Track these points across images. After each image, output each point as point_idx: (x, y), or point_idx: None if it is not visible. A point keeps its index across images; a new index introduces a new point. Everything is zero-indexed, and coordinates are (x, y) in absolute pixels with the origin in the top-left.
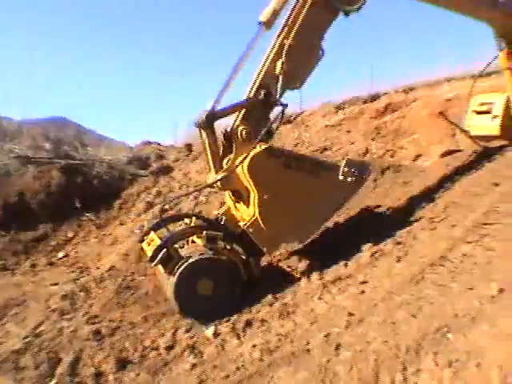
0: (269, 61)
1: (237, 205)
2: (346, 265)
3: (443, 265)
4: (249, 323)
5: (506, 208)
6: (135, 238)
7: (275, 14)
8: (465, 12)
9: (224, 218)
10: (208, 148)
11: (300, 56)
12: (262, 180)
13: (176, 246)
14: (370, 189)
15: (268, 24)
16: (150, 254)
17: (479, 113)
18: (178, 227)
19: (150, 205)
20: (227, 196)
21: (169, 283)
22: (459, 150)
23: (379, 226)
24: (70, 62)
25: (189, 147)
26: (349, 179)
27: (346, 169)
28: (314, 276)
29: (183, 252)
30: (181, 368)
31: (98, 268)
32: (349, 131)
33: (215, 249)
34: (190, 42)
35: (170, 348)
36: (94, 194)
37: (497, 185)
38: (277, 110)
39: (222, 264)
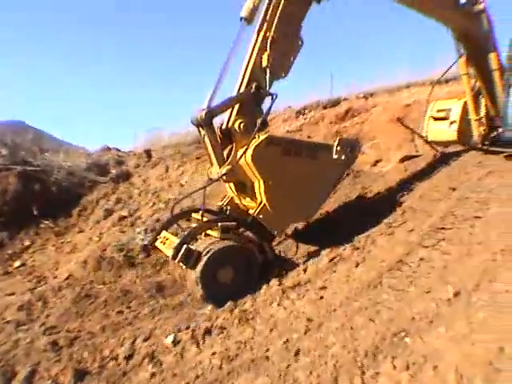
0: (254, 55)
1: (240, 195)
2: (305, 270)
3: (401, 269)
4: (208, 331)
5: (463, 212)
6: (93, 246)
7: (255, 8)
8: (427, 11)
9: (228, 208)
10: (209, 144)
11: (283, 47)
12: (265, 168)
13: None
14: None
15: (249, 19)
16: (169, 252)
17: (437, 119)
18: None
19: (110, 212)
20: (228, 187)
21: (193, 275)
22: (417, 155)
23: (338, 231)
24: (29, 64)
25: (148, 153)
26: (342, 157)
27: (338, 148)
28: (273, 282)
29: (200, 246)
30: (140, 377)
31: (55, 277)
32: (309, 136)
33: (231, 238)
34: (155, 51)
35: (129, 357)
36: (52, 201)
37: (453, 190)
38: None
39: (240, 252)
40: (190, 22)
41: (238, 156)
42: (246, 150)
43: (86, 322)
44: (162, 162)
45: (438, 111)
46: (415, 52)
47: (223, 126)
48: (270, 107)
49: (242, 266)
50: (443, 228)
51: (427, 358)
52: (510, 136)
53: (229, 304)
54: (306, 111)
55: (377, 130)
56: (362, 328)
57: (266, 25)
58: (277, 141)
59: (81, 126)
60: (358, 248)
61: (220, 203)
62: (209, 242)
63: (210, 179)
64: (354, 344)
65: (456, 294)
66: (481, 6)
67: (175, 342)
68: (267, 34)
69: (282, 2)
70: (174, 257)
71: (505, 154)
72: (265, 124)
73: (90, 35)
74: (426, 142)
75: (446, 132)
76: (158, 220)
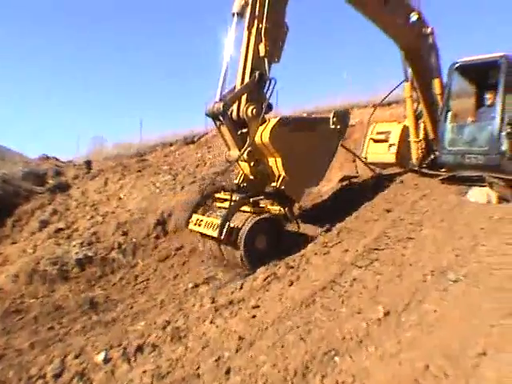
0: (251, 46)
1: (255, 170)
2: (239, 289)
3: (334, 289)
4: (140, 348)
5: (396, 233)
6: (26, 258)
7: (246, 3)
8: (380, 19)
9: (244, 184)
10: (228, 131)
11: (274, 35)
12: (280, 146)
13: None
14: None
15: (241, 13)
16: (213, 232)
17: (376, 141)
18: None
19: (45, 223)
20: (243, 166)
21: (239, 246)
22: (357, 176)
23: (274, 249)
24: None
25: (88, 164)
26: (338, 126)
27: (334, 119)
28: (206, 300)
29: (236, 222)
30: None
31: None
32: None
33: (262, 211)
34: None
35: (57, 376)
36: None
37: (389, 211)
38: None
39: (270, 222)
40: (138, 26)
41: (256, 137)
42: (262, 132)
43: (13, 338)
44: (101, 174)
45: (378, 133)
46: (359, 74)
47: (233, 114)
48: (272, 91)
49: (274, 233)
50: (377, 249)
51: (356, 377)
52: (446, 160)
53: (160, 321)
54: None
55: None
56: (293, 347)
57: (257, 17)
58: (286, 121)
59: (21, 130)
60: (292, 267)
61: (236, 181)
62: (244, 217)
63: (229, 161)
64: (284, 363)
65: (386, 314)
66: (428, 30)
67: (106, 360)
68: (260, 26)
69: None
70: (220, 236)
71: (440, 178)
72: (270, 106)
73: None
74: (365, 163)
75: (385, 154)
76: (95, 233)
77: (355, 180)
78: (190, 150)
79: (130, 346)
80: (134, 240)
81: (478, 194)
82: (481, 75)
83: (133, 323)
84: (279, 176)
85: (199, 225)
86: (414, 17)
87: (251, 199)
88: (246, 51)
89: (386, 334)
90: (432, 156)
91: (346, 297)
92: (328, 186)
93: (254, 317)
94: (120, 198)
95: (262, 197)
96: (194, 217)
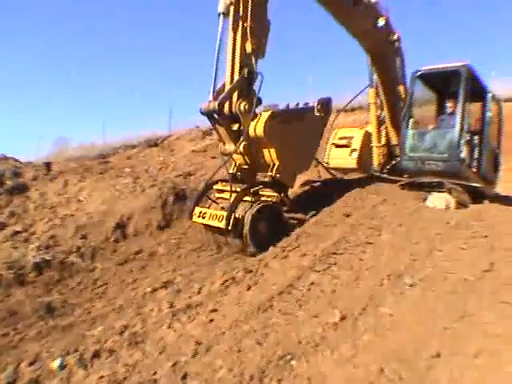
0: (238, 44)
1: (250, 162)
2: (197, 293)
3: (291, 293)
4: (97, 354)
5: (355, 238)
6: None
7: (231, 2)
8: (347, 18)
9: (239, 174)
10: (223, 127)
11: (258, 32)
12: (273, 138)
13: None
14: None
15: (227, 13)
16: (220, 224)
17: (338, 146)
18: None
19: (2, 226)
20: (235, 158)
21: (244, 230)
22: (318, 181)
23: (232, 254)
24: None
25: (48, 166)
26: (322, 114)
27: (318, 106)
28: (164, 304)
29: (239, 211)
30: None
31: None
32: (214, 157)
33: (262, 200)
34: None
35: None
36: None
37: (348, 216)
38: None
39: (269, 207)
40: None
41: (251, 131)
42: (256, 126)
43: None
44: (61, 175)
45: (340, 138)
46: (324, 79)
47: (225, 110)
48: (260, 86)
49: (273, 218)
50: (335, 253)
51: (311, 380)
52: (407, 166)
53: (118, 326)
54: (213, 132)
55: None
56: (250, 351)
57: (242, 15)
58: (277, 114)
59: None
60: (250, 271)
61: (231, 171)
62: (247, 207)
63: (225, 154)
64: (240, 367)
65: (343, 318)
66: (395, 37)
67: (62, 366)
68: (245, 24)
69: None
70: (227, 227)
71: (400, 183)
72: (260, 101)
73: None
74: (327, 168)
75: (347, 159)
76: (53, 236)
77: (317, 185)
78: (153, 153)
79: (87, 352)
80: (92, 244)
81: (437, 200)
82: (442, 83)
83: (90, 328)
84: (274, 165)
85: (203, 217)
86: (381, 21)
87: (251, 189)
88: (233, 49)
89: (342, 338)
90: (393, 162)
91: (303, 301)
92: (290, 190)
93: (211, 321)
94: (80, 201)
95: (261, 186)
96: (197, 209)
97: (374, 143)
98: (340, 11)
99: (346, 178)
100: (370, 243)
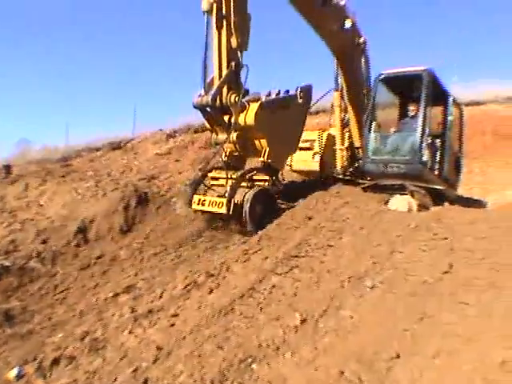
0: (224, 39)
1: (241, 149)
2: (159, 297)
3: (252, 296)
4: (56, 361)
5: (316, 241)
6: None
7: (214, 0)
8: (315, 18)
9: (232, 161)
10: (215, 118)
11: (242, 26)
12: (263, 126)
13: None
14: (188, 220)
15: (211, 10)
16: (221, 209)
17: (301, 149)
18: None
19: None
20: (228, 146)
21: (244, 213)
22: (281, 183)
23: (195, 257)
24: None
25: (7, 169)
26: (304, 101)
27: (301, 94)
28: (126, 309)
29: (237, 197)
30: None
31: None
32: (178, 160)
33: (257, 184)
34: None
35: None
36: None
37: (310, 218)
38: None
39: (264, 191)
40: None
41: (241, 121)
42: (246, 116)
43: None
44: (22, 178)
45: (303, 141)
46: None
47: (216, 103)
48: (246, 77)
49: (267, 200)
50: (297, 256)
51: (272, 383)
52: (369, 168)
53: (79, 332)
54: (177, 134)
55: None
56: (211, 355)
57: (225, 11)
58: (265, 104)
59: None
60: (212, 275)
61: (225, 159)
62: (244, 192)
63: (218, 144)
64: (201, 372)
65: (303, 321)
66: (361, 40)
67: (20, 376)
68: (229, 20)
69: None
70: (228, 212)
71: (363, 186)
72: (247, 92)
73: None
74: (291, 171)
75: (310, 162)
76: (12, 241)
77: (280, 187)
78: (116, 156)
79: (46, 360)
80: (53, 248)
81: (399, 203)
82: (404, 87)
83: (50, 335)
84: (264, 151)
85: (202, 204)
86: (348, 23)
87: (247, 175)
88: (219, 45)
89: (302, 341)
90: (356, 164)
91: (264, 304)
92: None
93: (172, 325)
94: (40, 205)
95: (254, 172)
96: (196, 197)
97: (338, 146)
98: (310, 12)
99: (308, 180)
100: (332, 246)
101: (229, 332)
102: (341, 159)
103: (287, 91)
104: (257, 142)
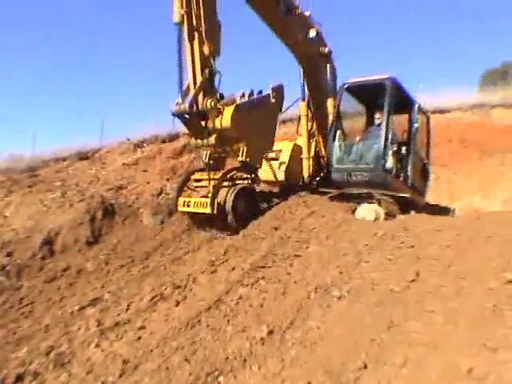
0: (196, 48)
1: (220, 150)
2: (126, 310)
3: (219, 308)
4: (20, 377)
5: (283, 251)
6: None
7: (182, 11)
8: (278, 25)
9: (211, 162)
10: (194, 124)
11: (213, 33)
12: (240, 127)
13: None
14: (155, 231)
15: (181, 21)
16: (205, 210)
17: (268, 159)
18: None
19: None
20: (206, 149)
21: (227, 211)
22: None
23: (162, 269)
24: None
25: None
26: (277, 100)
27: (273, 93)
28: (92, 322)
29: (221, 196)
30: None
31: None
32: (145, 170)
33: (238, 183)
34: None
35: None
36: None
37: (276, 229)
38: None
39: (245, 189)
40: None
41: (218, 124)
42: (222, 119)
43: None
44: None
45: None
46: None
47: (194, 109)
48: (219, 82)
49: (248, 197)
50: (263, 266)
51: None
52: (334, 177)
53: (44, 346)
54: (145, 144)
55: None
56: (178, 368)
57: (195, 21)
58: (240, 106)
59: None
60: (179, 286)
61: (206, 161)
62: (226, 191)
63: (197, 147)
64: None
65: (270, 332)
66: (326, 50)
67: None
68: (200, 29)
69: None
70: (213, 211)
71: (330, 195)
72: (222, 96)
73: None
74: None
75: (276, 172)
76: None
77: (258, 184)
78: (84, 166)
79: (9, 377)
80: (18, 261)
81: (366, 211)
82: (369, 96)
83: (14, 350)
84: (242, 151)
85: (188, 205)
86: (312, 33)
87: (227, 175)
88: (192, 54)
89: (269, 353)
90: (322, 174)
91: (231, 316)
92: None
93: (139, 339)
94: (5, 216)
95: (234, 172)
96: (181, 200)
97: (304, 155)
98: (274, 20)
99: (274, 190)
100: (298, 256)
101: (196, 344)
102: (307, 169)
103: (260, 91)
104: (234, 142)
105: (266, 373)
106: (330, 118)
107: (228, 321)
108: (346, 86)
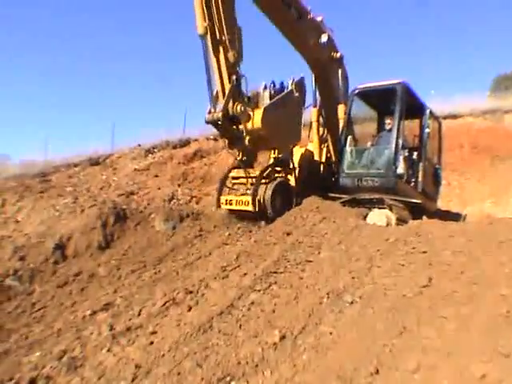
0: (222, 57)
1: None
2: (138, 315)
3: (231, 313)
4: (33, 381)
5: (295, 257)
6: None
7: (204, 23)
8: (292, 36)
9: (246, 161)
10: (227, 129)
11: (235, 41)
12: (270, 127)
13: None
14: (167, 237)
15: (205, 33)
16: (248, 207)
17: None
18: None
19: None
20: (239, 148)
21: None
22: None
23: (174, 274)
24: None
25: None
26: (300, 93)
27: (296, 87)
28: (104, 327)
29: (260, 193)
30: None
31: None
32: (157, 176)
33: (275, 177)
34: None
35: None
36: None
37: (288, 234)
38: None
39: (280, 183)
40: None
41: (250, 126)
42: (253, 122)
43: None
44: None
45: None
46: None
47: (222, 115)
48: (247, 86)
49: (284, 191)
50: (275, 272)
51: None
52: (345, 182)
53: (56, 351)
54: (156, 150)
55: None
56: (190, 373)
57: (218, 32)
58: (268, 108)
59: None
60: (191, 292)
61: (238, 158)
62: (265, 188)
63: (232, 149)
64: None
65: (282, 338)
66: (338, 55)
67: None
68: (223, 38)
69: (221, 5)
70: (255, 209)
71: (341, 201)
72: (249, 98)
73: None
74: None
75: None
76: None
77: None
78: (95, 171)
79: (23, 380)
80: (31, 265)
81: (377, 217)
82: (380, 101)
83: (27, 354)
84: (274, 149)
85: (230, 204)
86: (324, 37)
87: (264, 173)
88: (218, 63)
89: (281, 358)
90: (333, 179)
91: (243, 321)
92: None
93: (151, 343)
94: (17, 221)
95: (270, 169)
96: (223, 198)
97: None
98: (286, 25)
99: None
100: (310, 261)
101: (208, 350)
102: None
103: (282, 83)
104: (266, 141)
105: (278, 378)
106: (341, 123)
107: (240, 326)
108: (356, 91)
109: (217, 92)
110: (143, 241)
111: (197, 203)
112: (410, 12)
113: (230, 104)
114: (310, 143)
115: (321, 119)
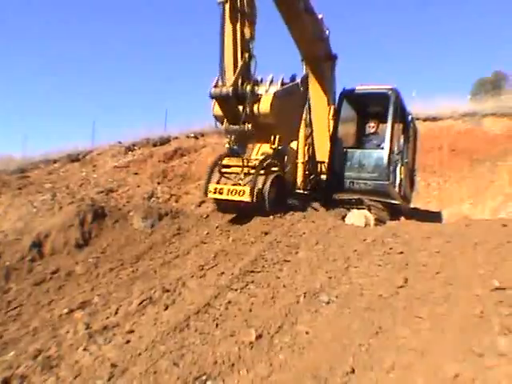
0: (238, 30)
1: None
2: (115, 313)
3: (208, 312)
4: (7, 381)
5: (272, 256)
6: None
7: None
8: (299, 27)
9: (239, 147)
10: (231, 108)
11: (253, 18)
12: (277, 114)
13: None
14: (145, 235)
15: (226, 1)
16: (245, 198)
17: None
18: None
19: None
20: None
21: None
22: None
23: (152, 272)
24: None
25: None
26: (304, 90)
27: (301, 83)
28: (81, 325)
29: (258, 183)
30: None
31: None
32: (136, 173)
33: (272, 170)
34: None
35: None
36: None
37: (266, 234)
38: None
39: (278, 177)
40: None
41: (256, 110)
42: (261, 105)
43: None
44: None
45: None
46: None
47: (233, 89)
48: (256, 68)
49: (280, 185)
50: (253, 271)
51: None
52: (334, 184)
53: (31, 350)
54: (136, 148)
55: (204, 171)
56: (166, 372)
57: (239, 2)
58: (279, 93)
59: None
60: (168, 290)
61: (230, 145)
62: (263, 179)
63: (231, 132)
64: None
65: (259, 337)
66: (332, 54)
67: None
68: (243, 9)
69: None
70: (252, 198)
71: (320, 201)
72: (257, 82)
73: None
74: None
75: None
76: None
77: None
78: (75, 168)
79: None
80: (7, 263)
81: (356, 217)
82: (366, 104)
83: (1, 354)
84: (275, 137)
85: (220, 193)
86: (327, 33)
87: (264, 163)
88: (234, 36)
89: (258, 357)
90: (317, 178)
91: (220, 320)
92: (211, 207)
93: (128, 342)
94: None
95: (268, 160)
96: (211, 186)
97: (300, 160)
98: (292, 14)
99: None
100: (288, 261)
101: (184, 349)
102: (302, 173)
103: (293, 76)
104: (270, 129)
105: (254, 377)
106: (328, 123)
107: (217, 325)
108: (346, 92)
109: (226, 66)
110: (121, 239)
111: (176, 201)
112: (390, 13)
113: (240, 81)
114: (294, 141)
115: (308, 117)
